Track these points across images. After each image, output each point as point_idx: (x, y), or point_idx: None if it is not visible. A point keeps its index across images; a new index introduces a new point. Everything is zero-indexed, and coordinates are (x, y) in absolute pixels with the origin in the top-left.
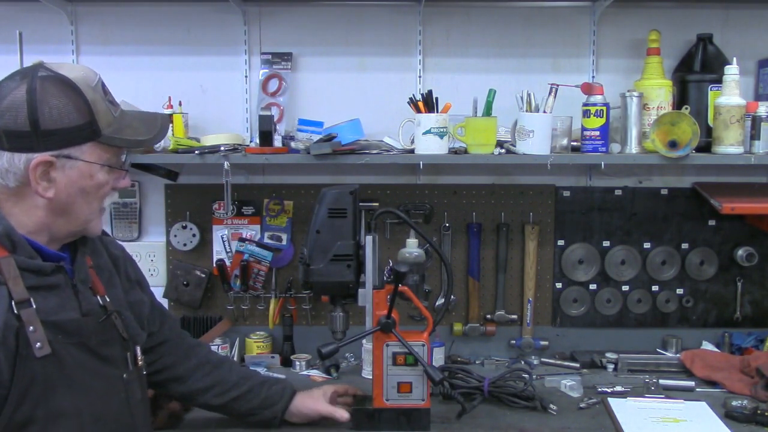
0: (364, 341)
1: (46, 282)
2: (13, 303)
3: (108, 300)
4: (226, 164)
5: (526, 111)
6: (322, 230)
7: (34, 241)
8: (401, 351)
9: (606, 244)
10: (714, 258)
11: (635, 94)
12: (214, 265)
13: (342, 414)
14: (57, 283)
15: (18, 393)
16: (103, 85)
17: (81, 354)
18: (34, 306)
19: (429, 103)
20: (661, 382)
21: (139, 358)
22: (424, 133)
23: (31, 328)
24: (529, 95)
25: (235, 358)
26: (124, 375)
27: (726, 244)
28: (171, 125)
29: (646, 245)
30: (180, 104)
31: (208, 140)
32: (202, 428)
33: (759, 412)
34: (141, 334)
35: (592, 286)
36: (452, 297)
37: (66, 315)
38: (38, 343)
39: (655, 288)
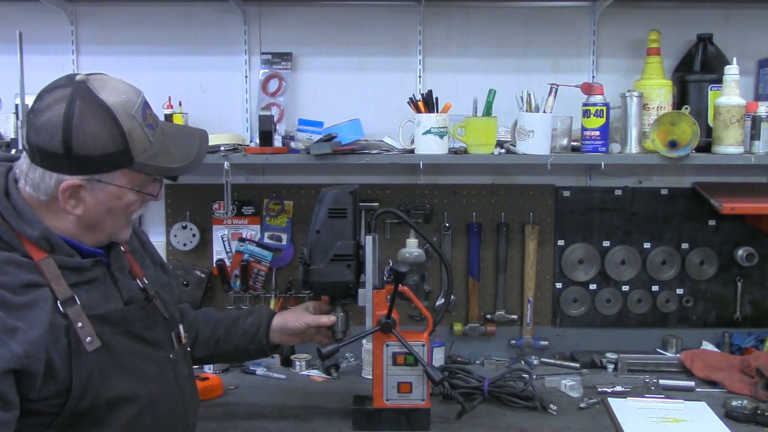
0: (364, 341)
1: (86, 277)
2: (58, 303)
3: (147, 282)
4: (226, 164)
5: (526, 111)
6: (322, 230)
7: (70, 240)
8: (401, 351)
9: (606, 244)
10: (714, 258)
11: (635, 94)
12: (214, 265)
13: (328, 318)
14: (96, 276)
15: (79, 387)
16: (144, 108)
17: (129, 342)
18: (79, 302)
19: (429, 103)
20: (661, 382)
21: (183, 336)
22: (424, 133)
23: (79, 324)
24: (529, 95)
25: None
26: (171, 355)
27: (726, 244)
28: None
29: (646, 245)
30: (180, 104)
31: None
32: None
33: (759, 412)
34: (177, 312)
35: (592, 286)
36: (452, 297)
37: (110, 306)
38: (88, 338)
39: (655, 288)
